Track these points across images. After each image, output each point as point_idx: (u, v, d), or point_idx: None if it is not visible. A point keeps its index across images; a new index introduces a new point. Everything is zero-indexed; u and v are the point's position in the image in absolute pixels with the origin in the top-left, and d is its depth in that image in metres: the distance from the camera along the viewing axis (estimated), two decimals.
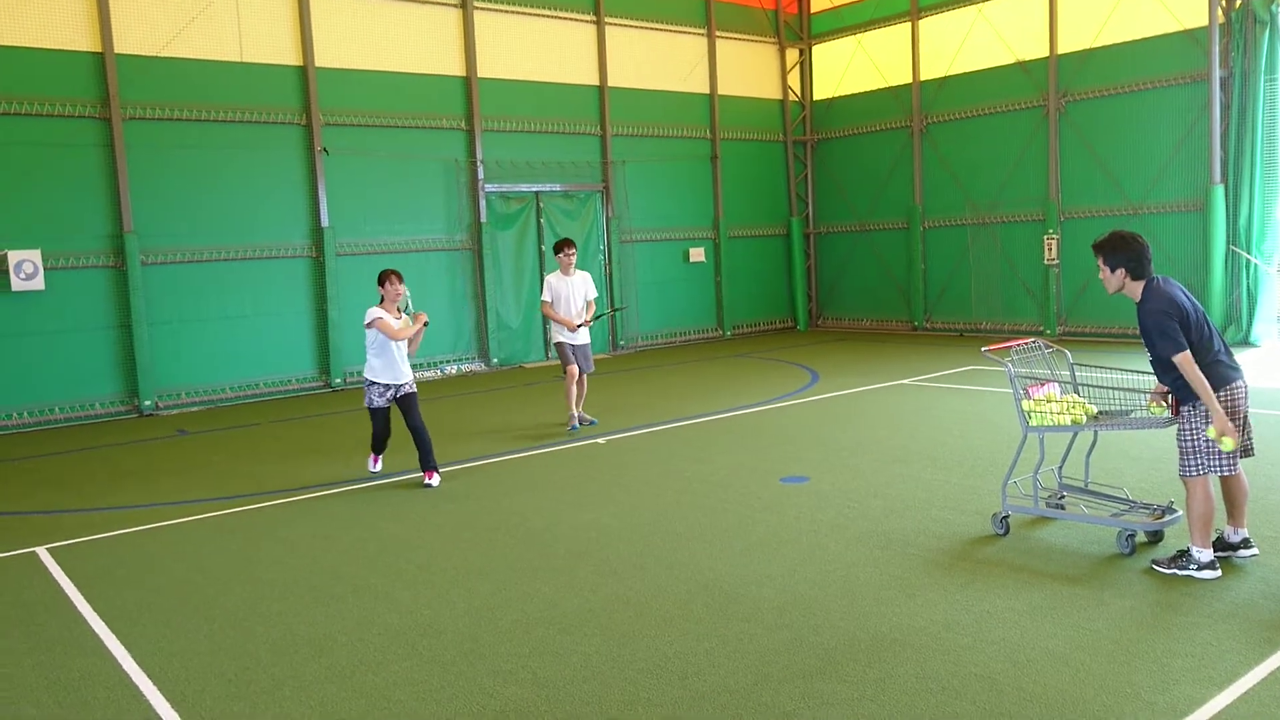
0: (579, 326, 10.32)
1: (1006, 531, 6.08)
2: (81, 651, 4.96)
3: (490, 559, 6.14)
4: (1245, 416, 5.29)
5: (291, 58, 14.00)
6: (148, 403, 12.81)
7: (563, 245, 10.40)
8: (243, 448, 10.43)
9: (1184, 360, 5.03)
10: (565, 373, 10.29)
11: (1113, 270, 5.31)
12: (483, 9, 15.73)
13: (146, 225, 12.88)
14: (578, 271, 10.50)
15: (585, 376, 10.47)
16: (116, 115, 12.59)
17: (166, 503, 8.06)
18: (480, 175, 15.72)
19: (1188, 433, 5.18)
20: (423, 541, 6.60)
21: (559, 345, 10.42)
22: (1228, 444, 5.00)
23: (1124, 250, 5.27)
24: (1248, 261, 14.15)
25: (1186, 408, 5.20)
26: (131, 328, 12.70)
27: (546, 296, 10.34)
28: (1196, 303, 5.28)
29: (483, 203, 15.77)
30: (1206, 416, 5.09)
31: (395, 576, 5.88)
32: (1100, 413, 5.86)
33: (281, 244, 14.00)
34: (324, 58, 14.23)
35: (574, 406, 10.30)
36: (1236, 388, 5.13)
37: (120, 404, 12.79)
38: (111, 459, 10.09)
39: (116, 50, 12.61)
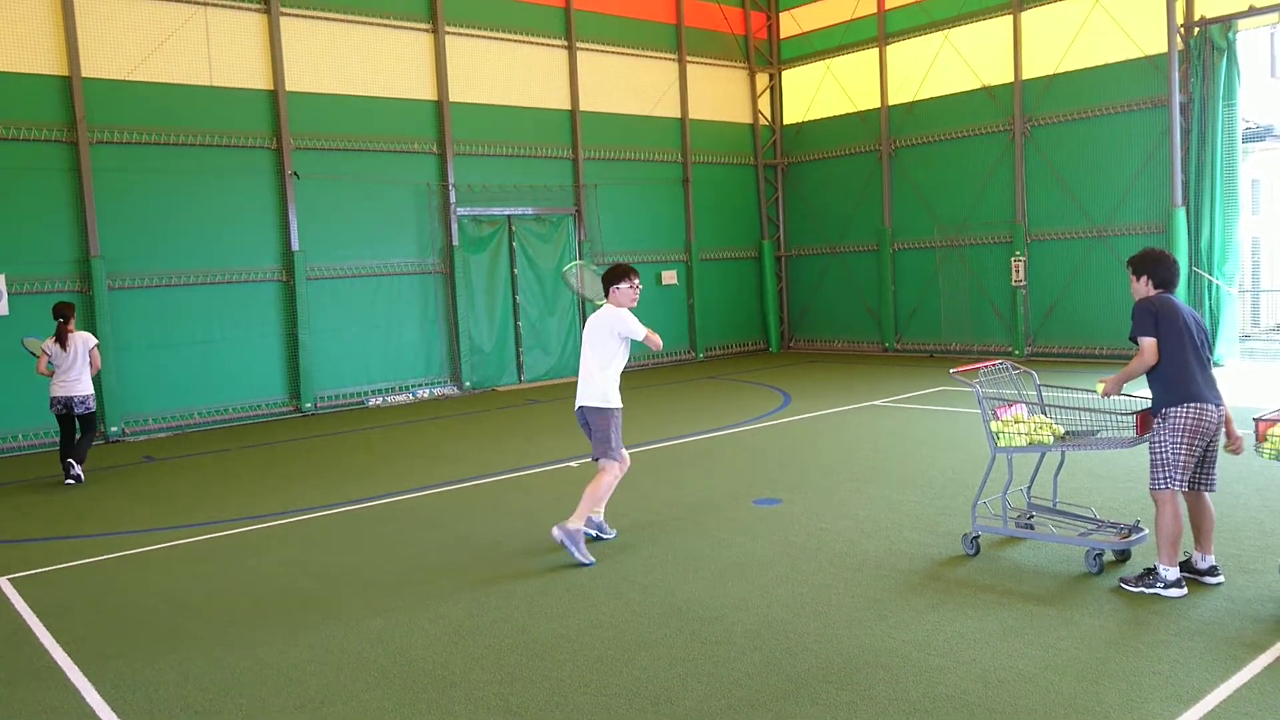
0: (589, 378, 6.81)
1: (977, 552, 6.12)
2: (45, 685, 4.86)
3: (461, 584, 6.10)
4: (1211, 447, 5.36)
5: (262, 82, 13.97)
6: (114, 429, 12.63)
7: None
8: (211, 474, 10.30)
9: (1145, 343, 5.27)
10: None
11: (1141, 278, 5.52)
12: (454, 33, 15.79)
13: (114, 249, 12.76)
14: (605, 306, 6.97)
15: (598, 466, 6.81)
16: (84, 139, 12.49)
17: (133, 531, 7.94)
18: (452, 199, 15.73)
19: (1158, 444, 5.25)
20: (393, 568, 6.54)
21: None
22: (1099, 388, 5.57)
23: (1155, 263, 5.49)
24: (1210, 283, 14.40)
25: (1157, 420, 5.27)
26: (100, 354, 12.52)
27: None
28: (1203, 326, 5.42)
29: (455, 226, 15.77)
30: (1175, 427, 5.16)
31: (366, 603, 5.83)
32: (1067, 433, 5.93)
33: (251, 268, 13.91)
34: (294, 82, 14.21)
35: (594, 507, 6.72)
36: (1205, 409, 5.19)
37: None
38: (77, 486, 9.93)
39: (84, 74, 12.52)
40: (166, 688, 4.74)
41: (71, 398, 9.87)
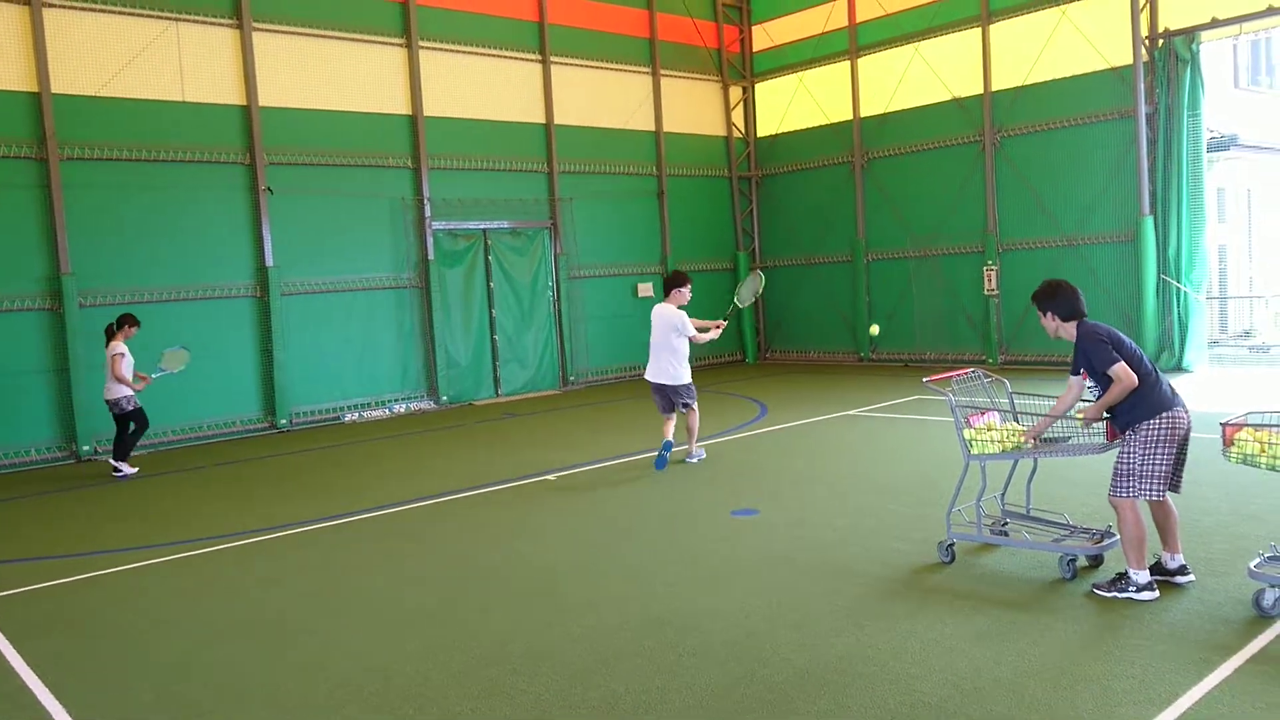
0: (663, 363, 9.59)
1: (952, 559, 6.17)
2: (15, 707, 4.80)
3: (440, 600, 6.08)
4: (1183, 449, 5.43)
5: (234, 97, 13.91)
6: (86, 448, 12.49)
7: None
8: (186, 491, 10.21)
9: (1119, 370, 5.25)
10: None
11: (1045, 314, 5.64)
12: (428, 48, 15.79)
13: (85, 267, 12.64)
14: (666, 303, 9.71)
15: (684, 415, 9.74)
16: (53, 155, 12.38)
17: (106, 550, 7.86)
18: (427, 213, 15.70)
19: (1125, 455, 5.32)
20: (371, 583, 6.51)
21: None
22: (1078, 419, 5.66)
23: (1050, 296, 5.61)
24: (1178, 290, 14.60)
25: (1129, 433, 5.34)
26: (69, 371, 12.41)
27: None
28: (1131, 341, 5.50)
29: (430, 240, 15.74)
30: (1151, 439, 5.23)
31: (343, 619, 5.79)
32: (1039, 440, 5.98)
33: (225, 284, 13.82)
34: (267, 97, 14.16)
35: (669, 434, 9.68)
36: (1177, 415, 5.28)
37: (58, 449, 12.47)
38: (49, 506, 9.82)
39: (53, 90, 12.42)
40: (141, 708, 4.69)
41: (106, 400, 11.14)
